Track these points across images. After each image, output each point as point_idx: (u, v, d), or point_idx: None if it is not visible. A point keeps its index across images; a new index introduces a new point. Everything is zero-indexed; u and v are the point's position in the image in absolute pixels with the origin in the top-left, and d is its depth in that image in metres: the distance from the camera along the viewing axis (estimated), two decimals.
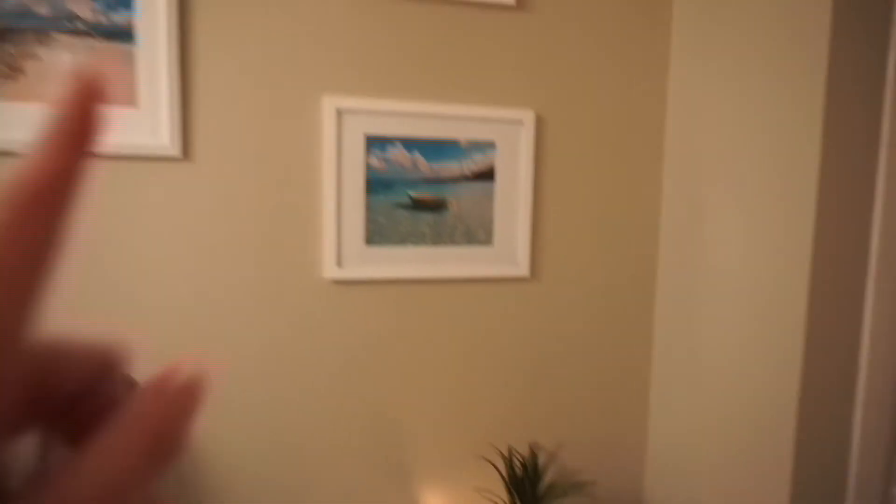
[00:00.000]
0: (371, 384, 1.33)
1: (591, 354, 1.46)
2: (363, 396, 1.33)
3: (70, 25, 1.11)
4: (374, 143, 1.28)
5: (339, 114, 1.24)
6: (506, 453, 1.37)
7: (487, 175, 1.35)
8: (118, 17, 1.12)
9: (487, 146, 1.34)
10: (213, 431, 1.25)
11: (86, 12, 1.11)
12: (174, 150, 1.17)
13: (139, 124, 1.15)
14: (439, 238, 1.34)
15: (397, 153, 1.30)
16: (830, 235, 1.07)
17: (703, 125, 1.35)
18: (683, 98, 1.41)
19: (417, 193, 1.31)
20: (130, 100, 1.14)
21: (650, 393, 1.51)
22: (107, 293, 1.17)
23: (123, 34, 1.13)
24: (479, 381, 1.40)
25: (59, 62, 1.11)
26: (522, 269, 1.38)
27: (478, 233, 1.36)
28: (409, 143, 1.30)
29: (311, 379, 1.30)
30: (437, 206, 1.33)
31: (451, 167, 1.33)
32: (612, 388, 1.49)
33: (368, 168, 1.28)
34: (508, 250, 1.38)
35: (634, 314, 1.48)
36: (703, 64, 1.34)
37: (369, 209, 1.29)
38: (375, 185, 1.29)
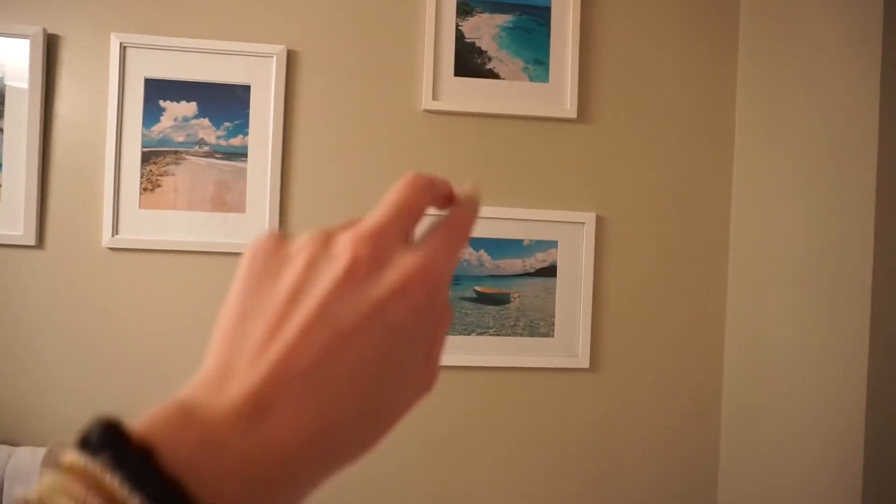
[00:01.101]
0: (430, 465, 1.42)
1: (653, 445, 1.48)
2: (422, 477, 1.42)
3: (199, 148, 1.35)
4: None
5: None
6: None
7: (549, 271, 1.45)
8: (235, 141, 1.36)
9: (549, 244, 1.44)
10: None
11: (211, 138, 1.36)
12: None
13: (247, 226, 1.36)
14: (502, 329, 1.44)
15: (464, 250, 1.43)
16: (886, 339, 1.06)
17: (766, 221, 1.38)
18: (748, 195, 1.45)
19: (482, 287, 1.43)
20: (241, 206, 1.36)
21: (718, 487, 1.49)
22: (195, 369, 1.36)
23: (238, 154, 1.36)
24: (537, 468, 1.45)
25: (188, 176, 1.35)
26: (583, 360, 1.45)
27: (539, 325, 1.44)
28: (476, 242, 1.42)
29: (372, 464, 1.40)
30: (500, 300, 1.43)
31: (514, 263, 1.44)
32: (675, 479, 1.49)
33: None
34: (569, 342, 1.45)
35: (698, 408, 1.49)
36: (768, 164, 1.39)
37: None
38: None
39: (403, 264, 0.25)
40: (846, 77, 1.15)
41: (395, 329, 0.25)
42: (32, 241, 1.32)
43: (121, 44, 1.34)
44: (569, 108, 1.45)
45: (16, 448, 1.25)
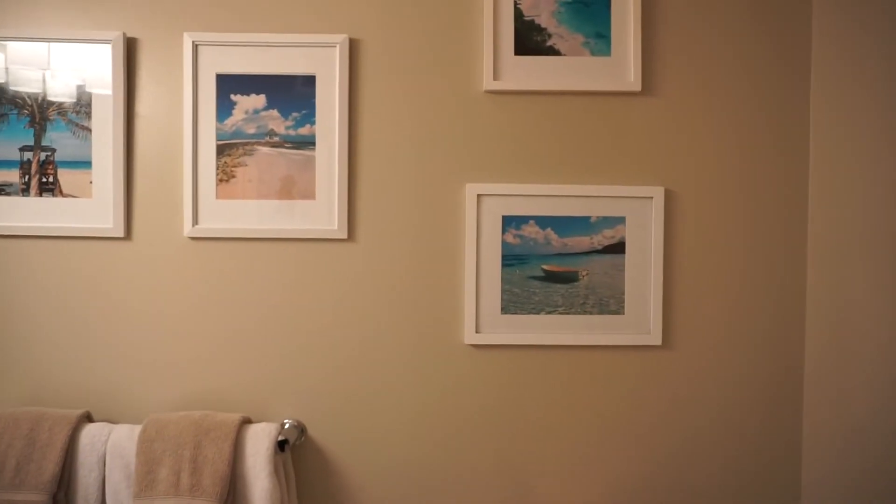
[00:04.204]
0: (505, 444, 1.43)
1: (729, 423, 1.44)
2: (497, 456, 1.43)
3: (269, 139, 1.40)
4: (510, 220, 1.42)
5: (479, 198, 1.41)
6: None
7: (618, 247, 1.42)
8: (303, 131, 1.40)
9: (617, 220, 1.42)
10: (363, 486, 1.42)
11: (280, 128, 1.40)
12: (342, 233, 1.40)
13: (316, 213, 1.40)
14: (571, 307, 1.42)
15: (530, 229, 1.42)
16: None
17: (847, 191, 1.31)
18: (826, 165, 1.38)
19: (550, 265, 1.42)
20: (310, 194, 1.40)
21: (802, 468, 1.43)
22: (274, 351, 1.41)
23: (306, 143, 1.40)
24: (611, 448, 1.43)
25: (260, 166, 1.40)
26: (655, 337, 1.42)
27: (609, 302, 1.42)
28: (542, 220, 1.42)
29: (449, 437, 1.43)
30: (568, 278, 1.42)
31: (581, 241, 1.42)
32: (753, 459, 1.44)
33: (504, 243, 1.42)
34: (640, 319, 1.42)
35: (777, 386, 1.44)
36: (847, 133, 1.32)
37: (505, 281, 1.42)
38: (510, 258, 1.42)
39: None
40: None
41: None
42: (121, 234, 1.41)
43: (193, 42, 1.40)
44: (633, 80, 1.42)
45: (115, 426, 1.34)
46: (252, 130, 1.41)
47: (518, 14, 1.43)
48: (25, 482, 1.26)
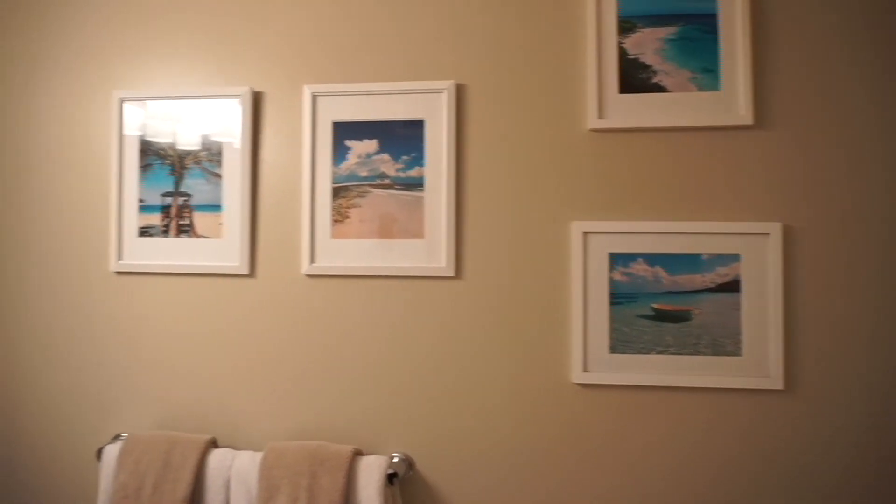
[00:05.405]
0: (614, 484, 1.39)
1: (863, 475, 1.32)
2: (604, 498, 1.39)
3: (381, 181, 1.48)
4: (617, 258, 1.40)
5: (585, 236, 1.41)
6: None
7: (732, 286, 1.37)
8: (413, 173, 1.47)
9: (731, 258, 1.37)
10: None
11: (391, 171, 1.48)
12: (449, 270, 1.44)
13: (425, 251, 1.46)
14: (683, 347, 1.38)
15: (639, 267, 1.40)
16: None
17: None
18: None
19: (660, 304, 1.39)
20: (419, 233, 1.46)
21: None
22: (384, 385, 1.46)
23: (416, 185, 1.47)
24: (724, 493, 1.36)
25: (372, 207, 1.48)
26: (775, 381, 1.34)
27: (724, 343, 1.37)
28: (651, 258, 1.39)
29: (556, 476, 1.41)
30: (680, 317, 1.38)
31: (693, 279, 1.38)
32: None
33: (612, 281, 1.40)
34: (759, 362, 1.36)
35: None
36: None
37: (613, 319, 1.40)
38: (619, 296, 1.40)
39: None
40: None
41: None
42: (246, 271, 1.52)
43: (312, 94, 1.51)
44: (744, 114, 1.38)
45: (238, 452, 1.43)
46: (365, 173, 1.49)
47: (622, 53, 1.44)
48: (161, 502, 1.36)
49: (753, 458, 1.36)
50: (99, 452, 1.47)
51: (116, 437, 1.51)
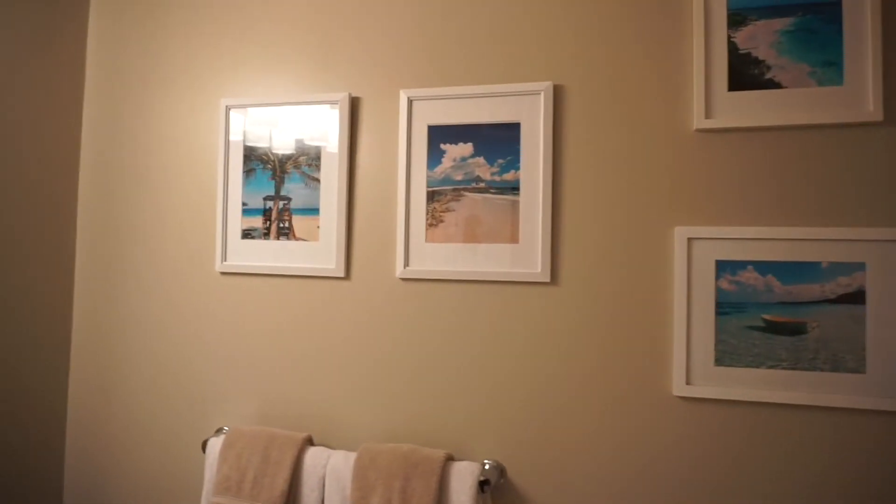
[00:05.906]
0: (716, 502, 1.31)
1: None
2: None
3: (475, 185, 1.47)
4: (724, 265, 1.33)
5: (690, 242, 1.34)
6: None
7: (856, 297, 1.26)
8: (508, 176, 1.45)
9: (854, 267, 1.26)
10: None
11: (486, 175, 1.46)
12: (545, 276, 1.41)
13: (520, 256, 1.43)
14: (798, 362, 1.28)
15: (748, 275, 1.32)
16: None
17: None
18: None
19: (772, 315, 1.30)
20: (514, 237, 1.44)
21: None
22: (477, 390, 1.44)
23: (511, 188, 1.44)
24: None
25: (466, 211, 1.47)
26: None
27: (846, 359, 1.26)
28: (762, 265, 1.31)
29: (655, 491, 1.34)
30: (794, 329, 1.29)
31: (810, 289, 1.28)
32: None
33: (718, 290, 1.32)
34: (887, 381, 1.24)
35: None
36: None
37: (719, 330, 1.32)
38: (725, 306, 1.32)
39: None
40: None
41: None
42: (342, 274, 1.55)
43: (408, 98, 1.52)
44: (872, 110, 1.27)
45: (332, 451, 1.46)
46: (459, 177, 1.48)
47: (732, 48, 1.35)
48: (260, 495, 1.41)
49: (881, 483, 1.24)
50: (204, 444, 1.54)
51: (219, 431, 1.58)
